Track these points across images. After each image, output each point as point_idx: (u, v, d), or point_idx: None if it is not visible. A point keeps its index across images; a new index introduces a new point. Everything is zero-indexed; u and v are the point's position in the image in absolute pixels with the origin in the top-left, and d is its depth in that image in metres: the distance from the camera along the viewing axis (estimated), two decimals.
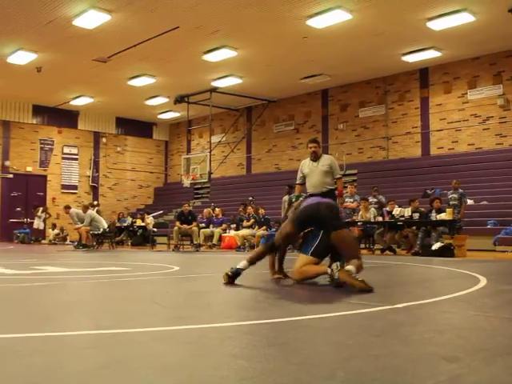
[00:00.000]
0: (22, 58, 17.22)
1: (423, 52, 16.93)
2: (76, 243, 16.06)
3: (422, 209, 12.68)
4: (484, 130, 17.44)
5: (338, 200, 8.18)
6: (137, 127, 27.53)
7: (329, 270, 4.79)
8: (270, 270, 5.74)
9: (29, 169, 24.15)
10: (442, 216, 11.80)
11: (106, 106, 24.17)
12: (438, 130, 18.52)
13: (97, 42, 15.86)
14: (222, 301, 4.28)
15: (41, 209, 22.02)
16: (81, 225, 15.82)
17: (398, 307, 3.66)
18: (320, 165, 7.75)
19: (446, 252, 10.85)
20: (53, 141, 24.97)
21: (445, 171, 17.00)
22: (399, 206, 13.14)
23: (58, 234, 21.97)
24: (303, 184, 7.97)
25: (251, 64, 18.10)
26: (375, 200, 14.23)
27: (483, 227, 13.89)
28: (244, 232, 15.99)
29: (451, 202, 12.82)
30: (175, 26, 14.81)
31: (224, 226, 17.23)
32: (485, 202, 15.20)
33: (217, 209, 18.59)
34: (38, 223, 21.72)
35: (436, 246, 11.18)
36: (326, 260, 5.31)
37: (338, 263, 4.73)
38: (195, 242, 15.15)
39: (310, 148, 7.86)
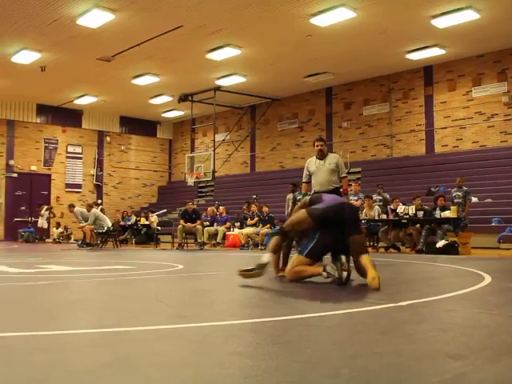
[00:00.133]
0: (26, 57, 17.25)
1: (427, 50, 16.89)
2: (80, 242, 16.08)
3: (426, 207, 12.66)
4: (488, 127, 17.40)
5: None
6: (141, 126, 27.56)
7: (324, 274, 4.82)
8: (274, 269, 5.73)
9: (33, 168, 24.21)
10: (447, 214, 11.78)
11: (110, 105, 24.21)
12: (442, 128, 18.48)
13: (101, 41, 15.88)
14: (226, 299, 4.28)
15: (44, 207, 22.06)
16: (85, 223, 15.84)
17: (402, 305, 3.65)
18: (327, 163, 7.83)
19: (451, 250, 10.83)
20: (57, 140, 25.02)
21: (449, 169, 16.96)
22: (403, 204, 13.12)
23: (62, 233, 22.01)
24: (309, 182, 8.02)
25: (255, 62, 18.09)
26: (380, 198, 14.23)
27: (488, 225, 13.86)
28: (248, 230, 15.98)
29: (455, 200, 12.80)
30: (179, 25, 14.81)
31: (228, 224, 17.23)
32: (489, 200, 15.16)
33: (221, 207, 18.59)
34: (41, 222, 21.77)
35: (440, 243, 11.16)
36: (327, 258, 5.31)
37: (333, 264, 4.76)
38: (199, 241, 15.16)
39: (317, 146, 7.92)
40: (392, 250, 12.88)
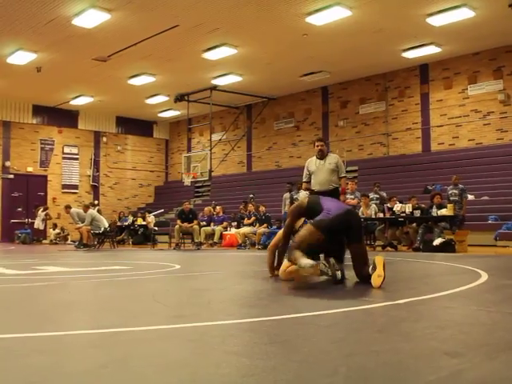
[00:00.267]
0: (21, 58, 17.21)
1: (423, 48, 16.89)
2: (77, 243, 16.05)
3: (423, 205, 12.68)
4: (485, 125, 17.42)
5: (340, 197, 8.30)
6: (137, 126, 27.52)
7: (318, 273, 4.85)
8: (269, 270, 5.73)
9: (29, 169, 24.14)
10: (443, 212, 11.79)
11: (106, 106, 24.17)
12: (438, 126, 18.50)
13: (96, 41, 15.85)
14: (224, 299, 4.28)
15: (41, 208, 22.02)
16: (82, 224, 15.82)
17: (399, 303, 3.66)
18: (327, 163, 7.99)
19: (447, 247, 10.85)
20: (53, 141, 24.96)
21: (445, 167, 16.99)
22: (400, 202, 13.13)
23: (58, 234, 21.98)
24: (309, 182, 8.09)
25: (251, 62, 18.08)
26: (377, 196, 14.24)
27: (484, 222, 13.87)
28: (245, 230, 15.99)
29: (451, 198, 12.80)
30: (175, 25, 14.79)
31: (225, 223, 17.23)
32: (486, 198, 15.19)
33: (217, 207, 18.58)
34: (38, 223, 21.72)
35: (437, 241, 11.18)
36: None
37: (325, 262, 4.78)
38: (196, 241, 15.15)
39: (317, 146, 8.08)
40: (389, 248, 12.89)
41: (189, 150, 25.93)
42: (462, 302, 3.86)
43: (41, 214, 21.74)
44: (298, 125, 22.58)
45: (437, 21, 14.55)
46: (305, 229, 5.04)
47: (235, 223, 16.95)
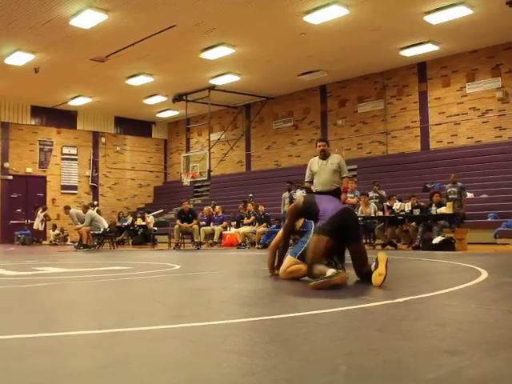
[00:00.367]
0: (19, 58, 17.20)
1: (421, 46, 16.90)
2: (77, 243, 16.06)
3: (422, 203, 12.68)
4: (483, 123, 17.43)
5: (342, 196, 8.38)
6: (136, 126, 27.52)
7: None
8: (269, 269, 5.74)
9: (28, 170, 24.13)
10: (442, 210, 11.80)
11: (105, 106, 24.16)
12: (437, 124, 18.51)
13: (94, 41, 15.84)
14: (224, 298, 4.28)
15: (40, 209, 22.01)
16: (81, 225, 15.82)
17: (399, 301, 3.66)
18: (329, 163, 8.05)
19: (447, 246, 10.84)
20: (52, 141, 24.95)
21: (444, 165, 16.98)
22: (400, 201, 13.14)
23: (58, 235, 21.97)
24: (312, 182, 8.13)
25: (249, 61, 18.08)
26: (376, 195, 14.25)
27: (484, 220, 13.88)
28: (245, 229, 15.99)
29: (450, 196, 12.81)
30: (172, 25, 14.79)
31: (224, 223, 17.24)
32: (485, 195, 15.19)
33: (217, 206, 18.59)
34: (37, 224, 21.71)
35: (437, 239, 11.18)
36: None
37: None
38: (196, 240, 15.15)
39: (319, 147, 8.14)
40: (389, 246, 12.89)
41: (187, 149, 25.93)
42: (462, 300, 3.86)
43: (40, 214, 21.73)
44: (297, 124, 22.59)
45: (434, 19, 14.56)
46: (312, 241, 5.00)
47: (235, 223, 16.95)
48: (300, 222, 5.46)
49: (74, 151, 25.67)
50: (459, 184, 13.09)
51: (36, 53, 16.82)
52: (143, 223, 18.54)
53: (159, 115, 26.28)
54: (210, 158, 20.26)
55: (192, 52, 17.03)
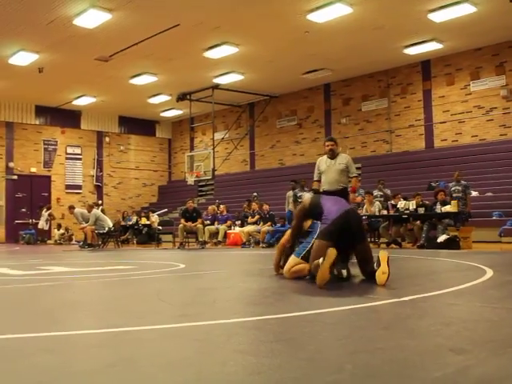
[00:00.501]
0: (23, 58, 17.23)
1: (425, 44, 16.86)
2: (81, 243, 16.08)
3: (427, 202, 12.66)
4: (488, 121, 17.38)
5: (350, 196, 8.46)
6: (140, 126, 27.55)
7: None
8: (275, 268, 5.74)
9: (33, 170, 24.20)
10: (447, 208, 11.77)
11: (109, 105, 24.19)
12: (441, 123, 18.47)
13: (98, 41, 15.86)
14: (229, 297, 4.28)
15: (44, 208, 22.05)
16: (86, 224, 15.84)
17: (404, 300, 3.65)
18: (337, 163, 8.14)
19: (452, 244, 10.82)
20: (56, 141, 25.01)
21: (449, 163, 16.93)
22: (404, 199, 13.11)
23: (63, 234, 22.00)
24: (320, 181, 8.21)
25: (252, 60, 18.08)
26: (381, 193, 14.23)
27: (488, 219, 13.85)
28: (249, 228, 15.98)
29: (454, 195, 12.77)
30: (176, 24, 14.79)
31: (229, 222, 17.23)
32: (490, 194, 15.16)
33: (221, 206, 18.58)
34: (42, 223, 21.76)
35: (441, 238, 11.15)
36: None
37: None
38: (200, 240, 15.15)
39: (327, 146, 8.23)
40: (393, 245, 12.88)
41: (192, 149, 25.96)
42: (467, 299, 3.86)
43: (44, 214, 21.78)
44: (301, 122, 22.57)
45: (438, 17, 14.53)
46: (314, 245, 5.02)
47: (239, 222, 16.95)
48: (308, 223, 5.46)
49: (78, 151, 25.73)
50: (463, 182, 13.06)
51: (40, 53, 16.85)
52: (148, 222, 18.56)
53: (163, 114, 26.30)
54: (214, 157, 20.28)
55: (196, 51, 17.03)
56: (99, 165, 26.32)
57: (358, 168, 19.39)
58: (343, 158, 8.19)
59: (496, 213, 13.96)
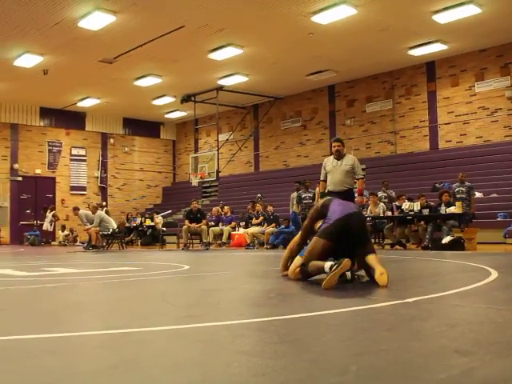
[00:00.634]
0: (28, 60, 17.29)
1: (429, 45, 16.86)
2: (86, 244, 16.11)
3: (432, 203, 12.63)
4: (492, 122, 17.35)
5: (356, 198, 8.50)
6: (144, 127, 27.60)
7: (327, 270, 4.82)
8: (282, 268, 5.72)
9: (37, 171, 24.27)
10: (452, 209, 11.74)
11: (113, 107, 24.24)
12: (445, 124, 18.44)
13: (102, 43, 15.90)
14: (233, 299, 4.28)
15: (48, 210, 22.10)
16: (90, 226, 15.87)
17: (408, 301, 3.64)
18: (343, 164, 8.22)
19: (456, 245, 10.79)
20: (61, 143, 25.08)
21: (453, 164, 16.91)
22: (409, 200, 13.09)
23: (67, 236, 22.05)
24: (326, 180, 8.26)
25: (257, 62, 18.09)
26: (385, 195, 14.20)
27: (493, 220, 13.82)
28: (253, 229, 15.99)
29: (458, 196, 12.74)
30: (180, 26, 14.82)
31: (233, 223, 17.23)
32: (494, 195, 15.12)
33: (225, 207, 18.58)
34: (46, 225, 21.81)
35: (446, 239, 11.12)
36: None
37: (336, 261, 4.76)
38: (205, 241, 15.17)
39: (334, 147, 8.37)
40: (398, 246, 12.86)
41: (196, 150, 25.96)
42: (472, 300, 3.84)
43: (48, 215, 21.83)
44: (305, 124, 22.57)
45: (443, 18, 14.51)
46: (311, 242, 5.07)
47: (243, 223, 16.95)
48: (318, 224, 5.45)
49: (82, 152, 25.79)
50: (467, 183, 13.03)
51: (45, 55, 16.90)
52: (152, 224, 18.58)
53: (167, 116, 26.34)
54: (218, 159, 20.30)
55: (200, 53, 17.05)
56: (104, 166, 26.37)
57: (362, 169, 19.54)
58: (349, 159, 8.24)
59: (501, 214, 13.93)
